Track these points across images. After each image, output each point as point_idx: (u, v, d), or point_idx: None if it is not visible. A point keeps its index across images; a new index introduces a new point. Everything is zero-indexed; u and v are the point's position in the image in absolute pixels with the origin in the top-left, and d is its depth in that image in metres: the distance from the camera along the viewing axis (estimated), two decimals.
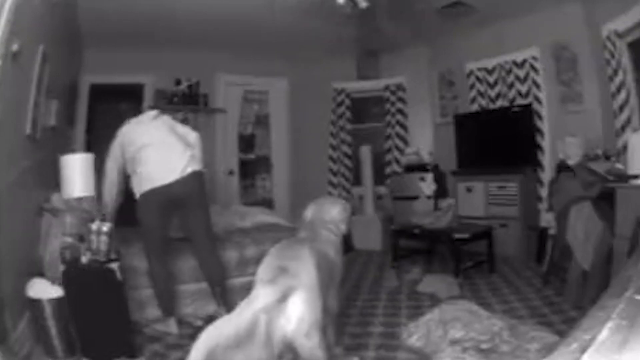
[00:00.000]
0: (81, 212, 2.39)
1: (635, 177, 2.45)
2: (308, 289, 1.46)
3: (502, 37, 4.61)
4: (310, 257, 1.60)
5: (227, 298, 2.62)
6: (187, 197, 2.56)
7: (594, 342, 0.69)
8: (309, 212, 2.10)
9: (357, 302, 3.05)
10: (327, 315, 1.92)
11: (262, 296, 1.36)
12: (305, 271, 1.52)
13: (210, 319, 2.69)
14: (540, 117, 4.37)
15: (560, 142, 3.66)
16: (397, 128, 5.65)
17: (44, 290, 2.04)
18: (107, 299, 2.11)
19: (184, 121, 3.26)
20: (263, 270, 1.55)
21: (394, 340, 2.32)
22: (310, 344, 1.41)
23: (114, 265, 2.15)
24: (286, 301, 1.39)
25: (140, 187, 2.51)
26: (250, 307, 1.34)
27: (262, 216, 3.97)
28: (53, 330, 2.03)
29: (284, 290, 1.39)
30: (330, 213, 2.06)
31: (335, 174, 5.94)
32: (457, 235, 3.56)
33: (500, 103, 4.75)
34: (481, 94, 4.91)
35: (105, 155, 2.64)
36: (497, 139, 4.63)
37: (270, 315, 1.34)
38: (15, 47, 1.85)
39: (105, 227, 2.18)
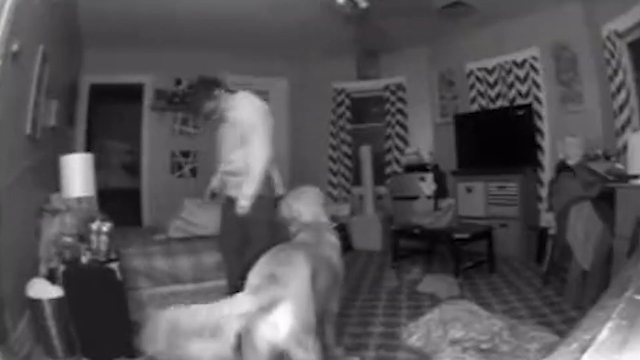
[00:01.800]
0: (81, 212, 2.40)
1: (635, 177, 2.45)
2: (297, 298, 1.40)
3: (502, 37, 4.60)
4: (305, 263, 1.53)
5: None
6: None
7: (594, 342, 0.69)
8: (304, 211, 1.99)
9: (357, 302, 3.05)
10: (328, 316, 1.92)
11: (244, 302, 1.31)
12: (295, 279, 1.45)
13: None
14: (540, 117, 4.37)
15: (560, 142, 3.66)
16: (397, 128, 5.65)
17: (44, 290, 2.04)
18: (107, 299, 2.11)
19: None
20: (253, 276, 1.47)
21: (394, 340, 2.32)
22: (305, 355, 1.37)
23: (114, 265, 2.15)
24: (272, 311, 1.34)
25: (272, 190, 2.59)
26: (227, 307, 1.29)
27: None
28: (53, 330, 2.03)
29: (270, 300, 1.34)
30: (320, 208, 2.01)
31: (335, 174, 5.93)
32: (457, 235, 3.56)
33: (500, 103, 4.75)
34: (481, 94, 4.91)
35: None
36: (497, 139, 4.63)
37: (252, 323, 1.31)
38: (15, 47, 1.85)
39: (105, 227, 2.19)
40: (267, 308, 1.33)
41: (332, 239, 1.92)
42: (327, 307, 1.84)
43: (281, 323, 1.34)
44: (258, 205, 2.42)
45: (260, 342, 1.32)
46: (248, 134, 2.50)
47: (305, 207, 2.00)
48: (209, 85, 2.58)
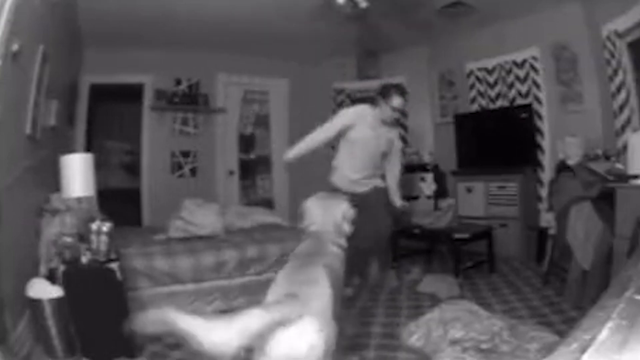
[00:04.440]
0: (81, 212, 2.40)
1: (635, 177, 2.45)
2: (319, 316, 1.30)
3: (502, 37, 4.60)
4: (326, 280, 1.45)
5: None
6: None
7: (594, 342, 0.69)
8: (313, 216, 1.91)
9: (357, 302, 3.05)
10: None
11: (252, 318, 1.17)
12: (317, 298, 1.36)
13: None
14: (540, 117, 4.37)
15: (560, 142, 3.66)
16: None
17: (44, 290, 2.04)
18: (107, 299, 2.11)
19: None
20: (271, 296, 1.39)
21: (394, 340, 2.32)
22: None
23: (114, 265, 2.15)
24: (290, 328, 1.23)
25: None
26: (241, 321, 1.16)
27: (262, 216, 3.97)
28: (53, 330, 2.03)
29: (286, 316, 1.23)
30: (334, 216, 1.89)
31: None
32: (457, 235, 3.56)
33: (500, 103, 4.75)
34: (481, 94, 4.91)
35: None
36: (497, 139, 4.63)
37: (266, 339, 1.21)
38: (15, 47, 1.85)
39: (105, 227, 2.18)
40: (283, 324, 1.22)
41: (334, 249, 1.82)
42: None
43: (305, 341, 1.25)
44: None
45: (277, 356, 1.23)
46: (393, 151, 3.14)
47: (320, 216, 1.90)
48: (401, 88, 3.06)
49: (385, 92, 2.95)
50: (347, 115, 3.00)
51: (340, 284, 1.70)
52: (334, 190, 2.92)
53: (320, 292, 1.39)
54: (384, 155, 3.07)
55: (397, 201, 3.18)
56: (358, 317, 2.74)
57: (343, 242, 1.88)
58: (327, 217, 1.88)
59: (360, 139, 2.94)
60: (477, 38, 4.82)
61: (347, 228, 1.92)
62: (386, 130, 3.01)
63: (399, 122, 3.13)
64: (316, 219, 1.89)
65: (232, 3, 3.88)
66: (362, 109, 3.04)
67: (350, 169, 3.00)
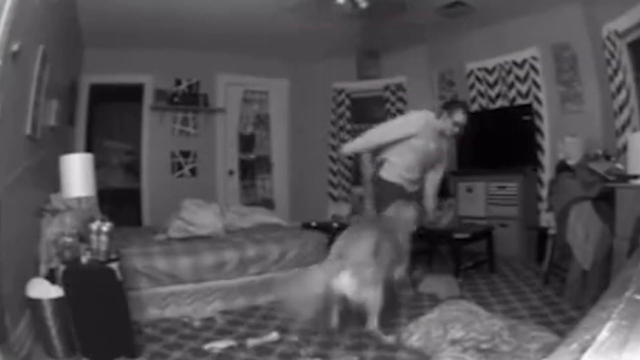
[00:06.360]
0: (81, 212, 2.40)
1: (635, 177, 2.45)
2: (354, 266, 2.22)
3: (502, 37, 4.61)
4: (369, 244, 2.33)
5: None
6: None
7: (594, 342, 0.69)
8: (392, 210, 2.80)
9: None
10: (398, 281, 2.68)
11: (326, 272, 2.23)
12: (356, 254, 2.27)
13: (209, 320, 2.70)
14: (540, 117, 4.37)
15: (560, 142, 3.66)
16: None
17: (44, 290, 2.04)
18: (107, 299, 2.11)
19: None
20: (333, 251, 2.37)
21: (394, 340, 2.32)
22: (358, 299, 2.24)
23: (114, 265, 2.15)
24: (340, 274, 2.21)
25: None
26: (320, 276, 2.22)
27: (262, 216, 3.97)
28: (53, 330, 2.03)
29: (338, 268, 2.22)
30: (405, 214, 2.77)
31: (335, 174, 5.93)
32: (457, 235, 3.56)
33: (500, 103, 4.75)
34: (481, 94, 4.91)
35: None
36: (497, 139, 4.63)
37: (331, 282, 2.19)
38: (15, 47, 1.85)
39: (105, 227, 2.18)
40: (336, 273, 2.21)
41: (400, 230, 2.69)
42: (393, 274, 2.58)
43: (344, 281, 2.21)
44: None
45: (334, 293, 2.21)
46: (442, 161, 3.33)
47: (396, 212, 2.80)
48: (466, 106, 3.23)
49: (450, 107, 3.15)
50: (415, 123, 3.12)
51: (395, 248, 2.55)
52: (380, 182, 3.24)
53: (359, 251, 2.30)
54: (434, 164, 3.27)
55: (430, 206, 3.38)
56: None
57: (408, 228, 2.77)
58: (400, 212, 2.79)
59: (421, 149, 3.12)
60: (477, 38, 4.82)
61: (413, 226, 2.80)
62: (443, 141, 3.21)
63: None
64: (392, 213, 2.80)
65: (232, 3, 3.89)
66: (430, 118, 3.17)
67: (404, 170, 3.17)
